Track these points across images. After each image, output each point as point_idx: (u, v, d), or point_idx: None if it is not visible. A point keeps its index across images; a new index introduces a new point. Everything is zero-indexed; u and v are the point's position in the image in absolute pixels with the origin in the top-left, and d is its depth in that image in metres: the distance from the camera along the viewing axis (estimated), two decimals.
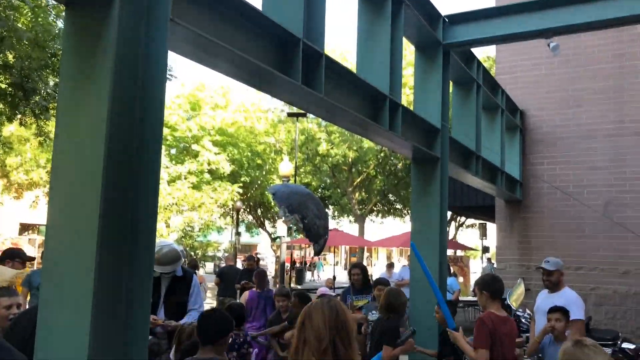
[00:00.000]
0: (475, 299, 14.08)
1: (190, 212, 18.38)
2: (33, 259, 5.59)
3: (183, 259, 5.67)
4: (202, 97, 23.49)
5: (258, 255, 23.54)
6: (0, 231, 25.28)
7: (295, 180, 20.87)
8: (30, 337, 2.57)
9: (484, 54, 20.57)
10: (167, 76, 2.87)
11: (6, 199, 21.64)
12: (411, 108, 6.05)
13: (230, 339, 5.03)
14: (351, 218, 30.63)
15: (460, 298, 13.43)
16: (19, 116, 9.80)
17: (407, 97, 17.50)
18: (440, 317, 4.84)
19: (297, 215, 5.03)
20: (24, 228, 28.26)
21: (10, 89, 8.59)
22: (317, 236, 5.23)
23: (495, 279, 4.54)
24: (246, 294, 7.47)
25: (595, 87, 9.49)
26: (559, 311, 4.71)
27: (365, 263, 30.29)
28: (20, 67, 8.22)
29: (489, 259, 22.44)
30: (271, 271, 27.83)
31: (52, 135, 10.81)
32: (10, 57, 8.50)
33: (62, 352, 2.40)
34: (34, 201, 21.80)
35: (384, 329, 4.84)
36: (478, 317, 4.25)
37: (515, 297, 7.90)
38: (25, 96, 8.37)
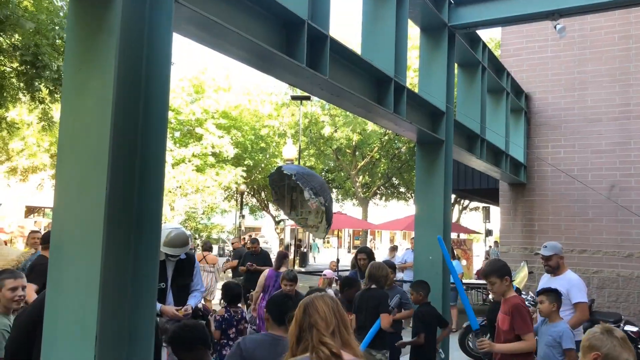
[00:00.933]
0: (478, 281, 14.13)
1: (194, 195, 18.43)
2: None
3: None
4: (205, 80, 23.41)
5: (262, 238, 23.63)
6: (6, 214, 25.44)
7: (299, 164, 20.87)
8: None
9: (488, 36, 20.41)
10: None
11: (12, 182, 21.73)
12: (416, 90, 6.02)
13: (228, 316, 5.32)
14: (355, 201, 30.67)
15: (463, 281, 13.48)
16: (24, 99, 9.81)
17: (410, 80, 17.42)
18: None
19: (321, 198, 5.10)
20: (30, 211, 28.42)
21: (22, 67, 8.59)
22: (331, 220, 5.29)
23: (506, 263, 4.46)
24: (267, 271, 7.87)
25: (601, 69, 9.42)
26: (543, 293, 4.59)
27: (368, 245, 30.39)
28: (27, 46, 8.21)
29: (495, 243, 22.48)
30: (274, 254, 27.95)
31: (55, 119, 10.84)
32: (15, 38, 8.49)
33: (70, 333, 2.43)
34: (39, 184, 21.87)
35: (380, 300, 4.98)
36: (515, 305, 4.02)
37: (518, 280, 7.95)
38: (37, 73, 8.38)
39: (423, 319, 5.32)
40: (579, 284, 5.29)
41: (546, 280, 5.52)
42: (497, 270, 4.23)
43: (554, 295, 4.54)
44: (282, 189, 5.14)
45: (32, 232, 7.58)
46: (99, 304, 2.37)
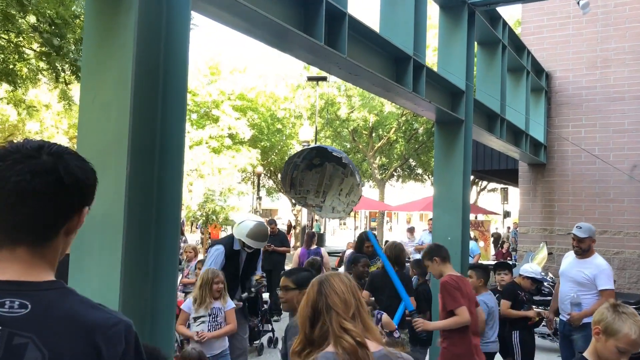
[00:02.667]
0: (494, 262, 14.08)
1: (211, 176, 18.52)
2: None
3: None
4: (221, 61, 23.36)
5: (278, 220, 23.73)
6: None
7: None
8: None
9: (509, 14, 20.04)
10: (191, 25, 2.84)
11: None
12: (435, 69, 5.94)
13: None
14: (371, 183, 30.60)
15: (480, 262, 13.44)
16: (44, 80, 9.85)
17: (429, 59, 17.19)
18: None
19: (360, 183, 5.09)
20: None
21: (44, 48, 8.61)
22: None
23: (438, 244, 4.54)
24: (299, 250, 9.02)
25: (624, 46, 9.21)
26: (472, 268, 5.23)
27: (385, 228, 30.39)
28: (45, 28, 8.23)
29: (515, 224, 22.36)
30: (292, 236, 28.05)
31: (75, 100, 10.90)
32: (34, 19, 8.50)
33: None
34: None
35: (405, 282, 5.03)
36: (442, 283, 4.13)
37: (537, 260, 7.89)
38: (58, 53, 8.39)
39: (426, 297, 5.57)
40: (607, 271, 5.17)
41: (572, 262, 5.41)
42: (425, 254, 4.38)
43: (482, 271, 5.15)
44: (288, 166, 5.05)
45: None
46: (121, 282, 2.38)
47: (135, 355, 1.22)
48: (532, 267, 5.71)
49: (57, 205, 1.17)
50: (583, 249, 5.31)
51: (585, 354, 2.51)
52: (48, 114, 17.28)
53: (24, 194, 1.12)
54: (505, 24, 7.45)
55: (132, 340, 1.22)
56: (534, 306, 5.51)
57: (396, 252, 5.28)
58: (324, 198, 5.02)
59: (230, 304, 4.76)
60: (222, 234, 22.03)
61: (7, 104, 13.22)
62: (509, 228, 24.29)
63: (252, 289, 5.71)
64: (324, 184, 4.95)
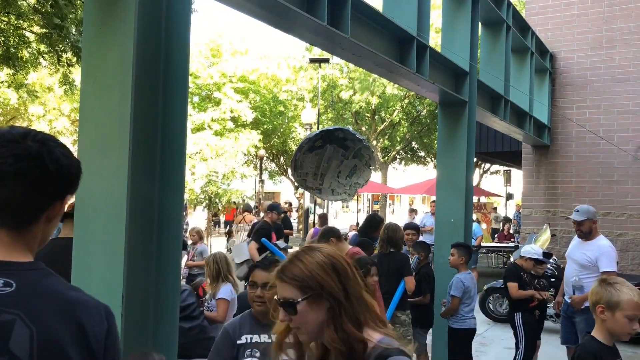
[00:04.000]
0: (498, 245, 14.09)
1: (214, 159, 18.50)
2: None
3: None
4: (222, 43, 23.20)
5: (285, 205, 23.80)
6: None
7: (318, 128, 20.77)
8: None
9: None
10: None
11: None
12: (438, 50, 5.88)
13: None
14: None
15: (482, 244, 13.47)
16: (44, 63, 9.80)
17: (432, 39, 17.03)
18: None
19: (373, 165, 5.06)
20: None
21: (46, 30, 8.55)
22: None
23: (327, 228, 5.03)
24: (312, 230, 9.46)
25: (630, 27, 9.10)
26: (455, 247, 5.23)
27: (387, 210, 30.40)
28: (46, 9, 8.15)
29: (518, 206, 22.35)
30: (295, 218, 28.10)
31: (76, 83, 10.85)
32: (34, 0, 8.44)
33: (97, 294, 2.45)
34: None
35: (403, 263, 5.12)
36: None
37: (540, 242, 7.88)
38: (59, 34, 8.33)
39: (427, 280, 5.63)
40: (609, 252, 5.12)
41: (576, 245, 5.39)
42: (321, 236, 4.69)
43: (464, 249, 5.20)
44: (299, 148, 4.97)
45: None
46: (125, 264, 2.38)
47: (116, 339, 1.24)
48: (533, 248, 5.71)
49: (40, 190, 1.18)
50: (584, 231, 5.27)
51: (594, 334, 2.51)
52: (51, 96, 17.22)
53: (6, 177, 1.13)
54: (509, 3, 7.37)
55: (113, 322, 1.25)
56: (549, 291, 5.52)
57: (390, 233, 5.24)
58: (322, 181, 4.96)
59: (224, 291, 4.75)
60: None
61: (8, 87, 13.17)
62: (518, 207, 24.20)
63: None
64: (322, 166, 4.88)
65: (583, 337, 4.94)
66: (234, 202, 20.26)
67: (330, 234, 4.76)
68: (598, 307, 2.50)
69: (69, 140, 21.50)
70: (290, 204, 11.95)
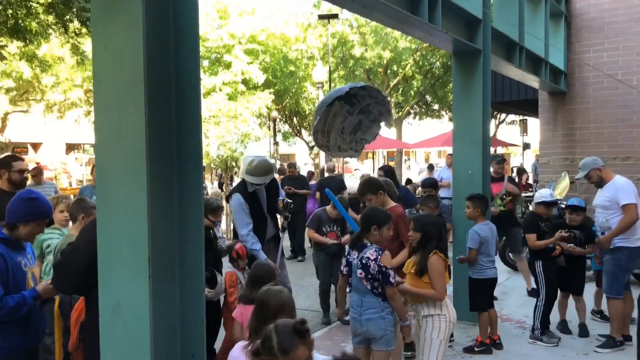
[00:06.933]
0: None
1: (227, 122, 18.50)
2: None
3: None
4: (228, 4, 22.85)
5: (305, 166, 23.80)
6: (48, 152, 26.15)
7: (330, 86, 20.58)
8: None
9: None
10: None
11: (50, 118, 22.09)
12: None
13: None
14: None
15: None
16: (54, 34, 9.75)
17: None
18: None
19: (386, 120, 5.03)
20: (70, 148, 29.11)
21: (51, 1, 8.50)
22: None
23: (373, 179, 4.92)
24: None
25: None
26: (469, 199, 5.25)
27: (403, 167, 30.30)
28: None
29: (536, 155, 22.15)
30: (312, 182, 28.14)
31: (87, 54, 10.82)
32: None
33: (123, 260, 2.51)
34: (75, 120, 22.18)
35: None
36: (399, 214, 4.45)
37: (559, 190, 7.85)
38: (65, 3, 8.27)
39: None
40: (625, 186, 5.20)
41: (597, 193, 5.50)
42: (368, 188, 4.50)
43: (479, 200, 5.22)
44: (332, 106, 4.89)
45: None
46: (149, 229, 2.42)
47: None
48: (541, 192, 5.73)
49: None
50: (595, 182, 5.40)
51: None
52: (63, 66, 17.21)
53: None
54: None
55: None
56: (573, 245, 5.49)
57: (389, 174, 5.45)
58: (328, 137, 4.93)
59: None
60: None
61: (20, 59, 13.17)
62: (537, 156, 23.97)
63: (287, 214, 5.37)
64: (327, 123, 4.85)
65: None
66: None
67: (380, 187, 4.56)
68: None
69: (82, 111, 21.60)
70: (294, 165, 11.69)
